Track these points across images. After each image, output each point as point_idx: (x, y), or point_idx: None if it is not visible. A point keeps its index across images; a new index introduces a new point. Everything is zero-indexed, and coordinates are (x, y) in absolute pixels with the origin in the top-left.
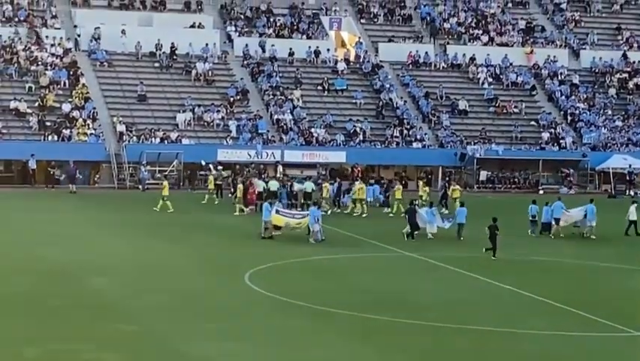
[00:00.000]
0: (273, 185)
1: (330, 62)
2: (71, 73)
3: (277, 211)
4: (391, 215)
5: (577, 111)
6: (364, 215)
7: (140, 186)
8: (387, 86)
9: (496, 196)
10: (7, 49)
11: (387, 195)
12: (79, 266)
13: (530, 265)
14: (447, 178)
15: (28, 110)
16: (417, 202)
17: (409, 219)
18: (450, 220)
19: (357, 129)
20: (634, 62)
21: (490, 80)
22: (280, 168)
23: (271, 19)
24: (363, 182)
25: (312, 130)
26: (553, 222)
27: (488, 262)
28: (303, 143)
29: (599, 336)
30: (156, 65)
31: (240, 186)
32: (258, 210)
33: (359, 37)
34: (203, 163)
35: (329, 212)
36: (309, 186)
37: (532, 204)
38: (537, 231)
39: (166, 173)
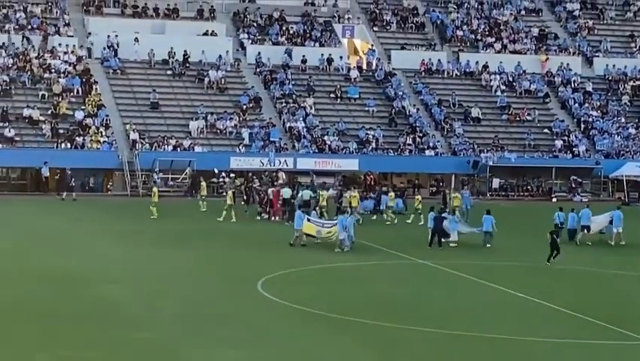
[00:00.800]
0: (306, 194)
1: (342, 69)
2: (84, 80)
3: (308, 220)
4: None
5: (590, 119)
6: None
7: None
8: (400, 93)
9: (509, 204)
10: (21, 56)
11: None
12: (91, 273)
13: (545, 273)
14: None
15: (41, 118)
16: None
17: (434, 226)
18: (478, 229)
19: (370, 137)
20: None
21: (503, 87)
22: (282, 175)
23: (284, 27)
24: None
25: (325, 138)
26: (580, 230)
27: (503, 270)
28: (316, 151)
29: (614, 344)
30: (169, 72)
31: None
32: (283, 219)
33: (372, 45)
34: (216, 171)
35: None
36: (306, 194)
37: (559, 212)
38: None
39: (155, 179)
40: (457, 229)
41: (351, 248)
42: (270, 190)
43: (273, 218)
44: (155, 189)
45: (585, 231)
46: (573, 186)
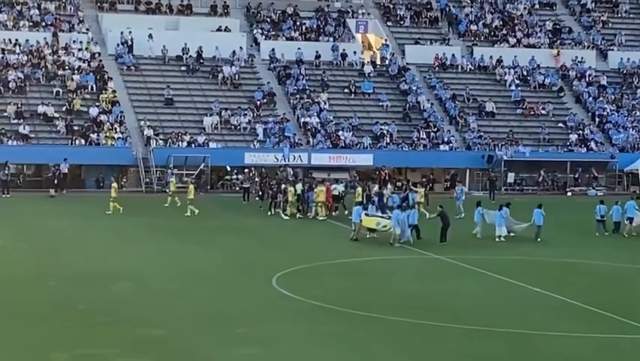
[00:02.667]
0: (337, 189)
1: (356, 64)
2: (98, 77)
3: (366, 214)
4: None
5: (605, 112)
6: (321, 218)
7: (168, 190)
8: (414, 88)
9: (524, 198)
10: (35, 53)
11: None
12: (105, 270)
13: (562, 268)
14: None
15: (56, 115)
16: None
17: (442, 220)
18: (527, 224)
19: (384, 132)
20: None
21: (518, 81)
22: (290, 170)
23: (297, 22)
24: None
25: (339, 133)
26: (626, 221)
27: (519, 265)
28: (330, 146)
29: (631, 338)
30: (183, 68)
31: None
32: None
33: (385, 40)
34: (229, 168)
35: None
36: (297, 188)
37: (600, 205)
38: (602, 231)
39: (115, 175)
40: (505, 225)
41: (403, 245)
42: (283, 186)
43: (329, 213)
44: (114, 184)
45: (629, 222)
46: (594, 177)
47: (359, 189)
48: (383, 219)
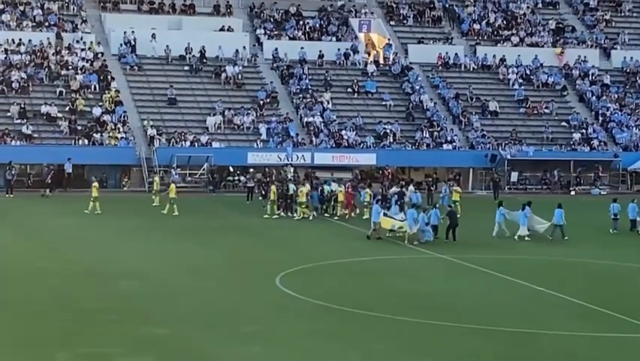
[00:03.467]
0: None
1: (359, 64)
2: (102, 77)
3: (384, 214)
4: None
5: (608, 112)
6: (297, 218)
7: (152, 190)
8: (417, 87)
9: (527, 197)
10: (38, 53)
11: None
12: (109, 269)
13: (566, 267)
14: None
15: (59, 115)
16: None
17: (450, 219)
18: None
19: (387, 131)
20: None
21: (521, 80)
22: (291, 169)
23: (300, 22)
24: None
25: (342, 132)
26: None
27: (522, 264)
28: (333, 145)
29: (635, 337)
30: (186, 68)
31: (273, 188)
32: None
33: (388, 39)
34: (231, 169)
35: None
36: (291, 188)
37: (613, 203)
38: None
39: (96, 174)
40: (528, 224)
41: (427, 242)
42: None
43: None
44: (95, 183)
45: None
46: (597, 176)
47: (368, 190)
48: (398, 221)
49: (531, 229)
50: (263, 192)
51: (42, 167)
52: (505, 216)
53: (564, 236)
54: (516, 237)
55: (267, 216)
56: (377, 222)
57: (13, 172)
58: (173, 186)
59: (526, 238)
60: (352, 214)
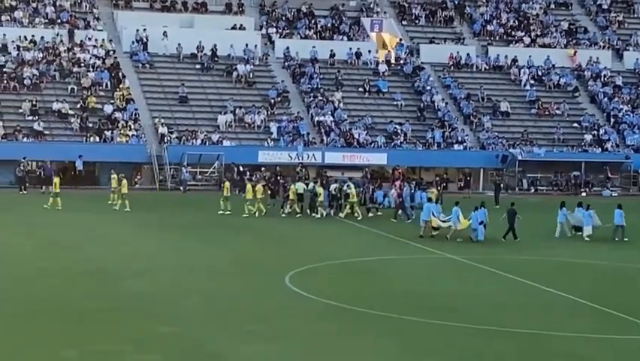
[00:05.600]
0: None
1: (371, 63)
2: (113, 74)
3: (433, 213)
4: None
5: (620, 113)
6: (317, 217)
7: (181, 188)
8: (429, 87)
9: (537, 199)
10: (50, 50)
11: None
12: (117, 267)
13: (575, 268)
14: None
15: (71, 112)
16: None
17: (508, 220)
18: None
19: (398, 131)
20: None
21: (532, 81)
22: (303, 169)
23: (312, 21)
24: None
25: (353, 132)
26: None
27: (531, 264)
28: (344, 145)
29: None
30: (197, 66)
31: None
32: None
33: (400, 39)
34: (241, 169)
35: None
36: (299, 187)
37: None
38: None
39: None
40: (592, 224)
41: (478, 241)
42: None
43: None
44: (56, 179)
45: None
46: (608, 177)
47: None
48: (445, 221)
49: (596, 227)
50: (270, 192)
51: (40, 164)
52: (567, 216)
53: (618, 237)
54: (585, 237)
55: (284, 215)
56: (427, 221)
57: (22, 168)
58: (125, 182)
59: (588, 239)
60: (399, 212)
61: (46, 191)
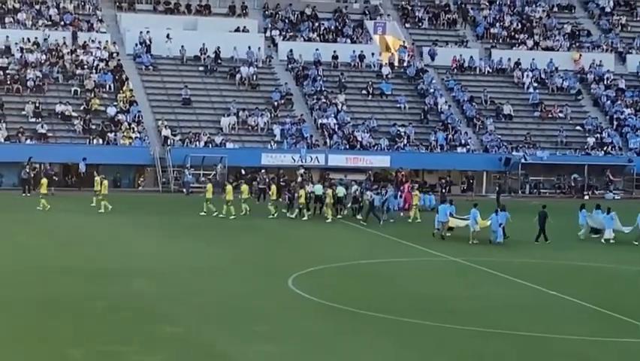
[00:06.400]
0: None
1: (374, 66)
2: (116, 77)
3: (450, 214)
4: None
5: (623, 116)
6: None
7: (184, 190)
8: (432, 90)
9: (540, 202)
10: (53, 52)
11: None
12: (123, 268)
13: (578, 271)
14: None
15: (74, 114)
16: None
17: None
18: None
19: (402, 133)
20: None
21: (535, 84)
22: (302, 171)
23: (315, 24)
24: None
25: (356, 134)
26: None
27: (533, 267)
28: (347, 147)
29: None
30: (201, 69)
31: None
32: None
33: (403, 42)
34: (243, 172)
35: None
36: (317, 189)
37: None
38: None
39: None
40: (614, 227)
41: (498, 243)
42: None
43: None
44: (105, 181)
45: None
46: (610, 180)
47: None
48: (462, 221)
49: (618, 230)
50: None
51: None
52: (587, 218)
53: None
54: (603, 240)
55: (292, 217)
56: (444, 222)
57: (27, 170)
58: (106, 183)
59: (611, 241)
60: (411, 214)
61: (49, 192)
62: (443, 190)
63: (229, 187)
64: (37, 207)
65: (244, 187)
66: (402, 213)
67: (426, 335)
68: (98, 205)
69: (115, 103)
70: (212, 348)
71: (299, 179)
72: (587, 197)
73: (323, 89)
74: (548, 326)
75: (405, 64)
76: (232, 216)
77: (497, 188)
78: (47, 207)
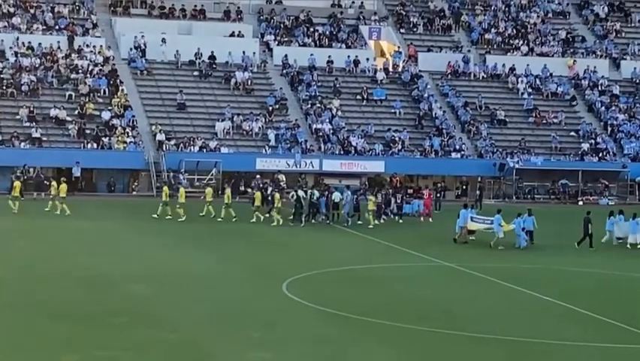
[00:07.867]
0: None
1: (369, 71)
2: (111, 81)
3: (471, 218)
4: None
5: (617, 122)
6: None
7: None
8: (427, 95)
9: (535, 207)
10: (48, 57)
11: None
12: (118, 273)
13: (572, 276)
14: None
15: (68, 118)
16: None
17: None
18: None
19: (396, 139)
20: None
21: (530, 90)
22: (283, 177)
23: (310, 29)
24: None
25: (351, 139)
26: None
27: (527, 273)
28: (342, 152)
29: (636, 348)
30: (196, 73)
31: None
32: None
33: (398, 47)
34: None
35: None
36: (336, 196)
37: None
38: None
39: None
40: (637, 232)
41: (523, 247)
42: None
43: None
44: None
45: None
46: (605, 186)
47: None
48: (485, 223)
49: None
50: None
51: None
52: (615, 225)
53: None
54: (628, 245)
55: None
56: (464, 227)
57: (20, 174)
58: (63, 186)
59: (638, 246)
60: (430, 219)
61: (38, 197)
62: (438, 195)
63: (228, 191)
64: (54, 212)
65: (227, 191)
66: (422, 219)
67: (421, 340)
68: (54, 208)
69: (109, 107)
70: (208, 354)
71: (281, 184)
72: (580, 202)
73: (318, 94)
74: (541, 331)
75: (399, 69)
76: (234, 219)
77: (478, 191)
78: (67, 212)
